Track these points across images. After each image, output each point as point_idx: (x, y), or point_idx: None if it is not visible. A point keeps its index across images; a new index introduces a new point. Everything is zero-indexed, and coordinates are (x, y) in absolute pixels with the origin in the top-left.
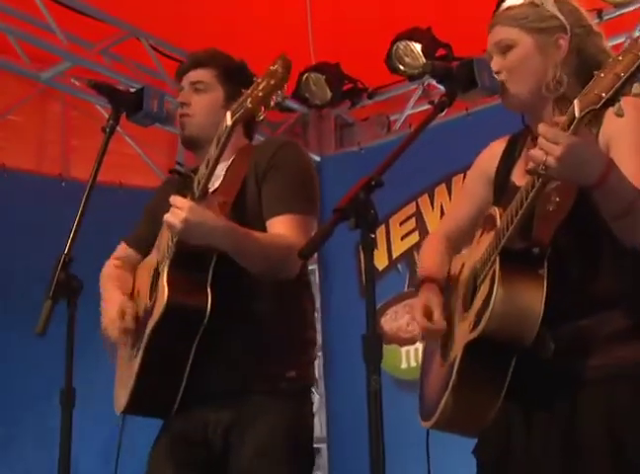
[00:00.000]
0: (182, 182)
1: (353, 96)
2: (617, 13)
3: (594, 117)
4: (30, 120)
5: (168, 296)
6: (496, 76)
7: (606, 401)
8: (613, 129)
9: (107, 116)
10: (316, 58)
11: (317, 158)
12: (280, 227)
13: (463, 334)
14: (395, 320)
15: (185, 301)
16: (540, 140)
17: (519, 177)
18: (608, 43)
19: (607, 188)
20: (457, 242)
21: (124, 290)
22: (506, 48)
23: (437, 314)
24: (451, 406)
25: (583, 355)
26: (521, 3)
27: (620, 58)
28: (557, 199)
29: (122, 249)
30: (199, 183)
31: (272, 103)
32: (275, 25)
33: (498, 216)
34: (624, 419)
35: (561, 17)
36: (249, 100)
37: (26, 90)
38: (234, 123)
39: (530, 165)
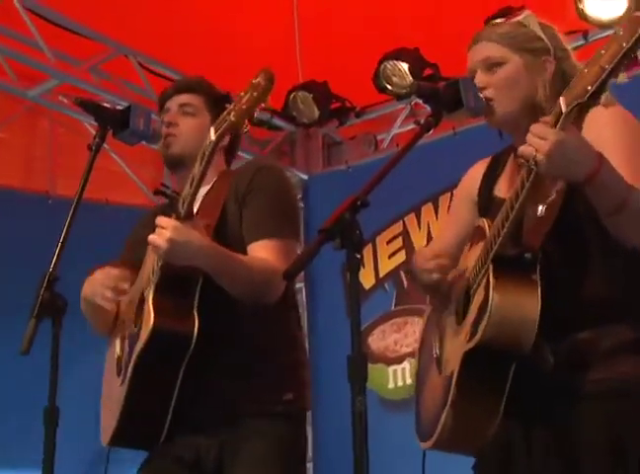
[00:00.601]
0: (167, 203)
1: (340, 115)
2: (603, 34)
3: (579, 111)
4: (17, 137)
5: (154, 320)
6: (480, 93)
7: (607, 414)
8: (593, 138)
9: (94, 133)
10: (304, 77)
11: (304, 177)
12: (262, 251)
13: (459, 346)
14: (382, 339)
15: (171, 326)
16: (529, 137)
17: (502, 191)
18: None
19: (599, 183)
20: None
21: (107, 319)
22: (494, 66)
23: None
24: (451, 421)
25: (583, 368)
26: (508, 22)
27: (603, 52)
28: (544, 206)
29: None
30: (183, 202)
31: (255, 115)
32: (263, 43)
33: (487, 227)
34: (625, 432)
35: (546, 39)
36: (232, 113)
37: (13, 107)
38: (218, 138)
39: (520, 161)
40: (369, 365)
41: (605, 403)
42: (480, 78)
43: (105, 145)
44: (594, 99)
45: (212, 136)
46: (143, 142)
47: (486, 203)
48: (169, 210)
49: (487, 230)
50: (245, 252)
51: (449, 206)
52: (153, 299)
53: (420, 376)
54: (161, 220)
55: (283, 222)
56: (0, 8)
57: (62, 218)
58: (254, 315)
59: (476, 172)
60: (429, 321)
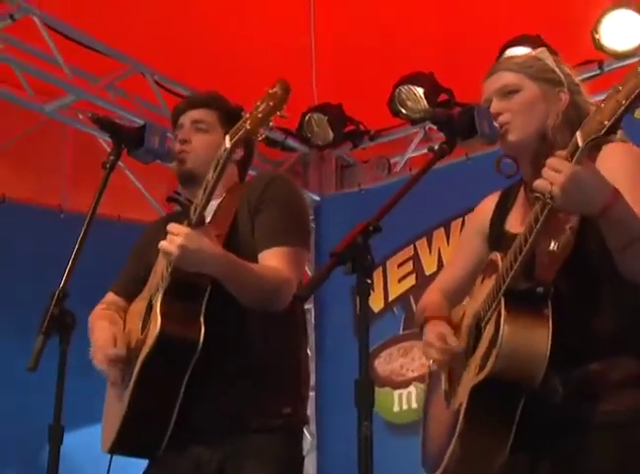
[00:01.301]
0: (174, 214)
1: (354, 137)
2: (618, 65)
3: (595, 146)
4: (31, 152)
5: (161, 326)
6: (496, 120)
7: (617, 445)
8: (604, 174)
9: (108, 149)
10: (319, 99)
11: (317, 198)
12: (273, 259)
13: (469, 379)
14: (389, 363)
15: (178, 331)
16: (545, 170)
17: (513, 225)
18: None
19: (612, 217)
20: (454, 297)
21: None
22: (510, 92)
23: (451, 338)
24: (459, 453)
25: (593, 399)
26: (524, 54)
27: (620, 88)
28: (558, 241)
29: (110, 297)
30: (195, 209)
31: (270, 124)
32: (278, 64)
33: (499, 260)
34: (635, 463)
35: (559, 73)
36: (248, 122)
37: (29, 121)
38: (233, 146)
39: (535, 195)
40: (376, 389)
41: (615, 434)
42: (496, 105)
43: (119, 163)
44: (610, 133)
45: (227, 144)
46: (157, 161)
47: (497, 237)
48: (179, 219)
49: (499, 264)
50: (256, 261)
51: (460, 235)
52: (161, 305)
53: (427, 411)
54: (172, 227)
55: (295, 231)
56: (19, 24)
57: (74, 233)
58: (261, 325)
59: (487, 205)
60: None
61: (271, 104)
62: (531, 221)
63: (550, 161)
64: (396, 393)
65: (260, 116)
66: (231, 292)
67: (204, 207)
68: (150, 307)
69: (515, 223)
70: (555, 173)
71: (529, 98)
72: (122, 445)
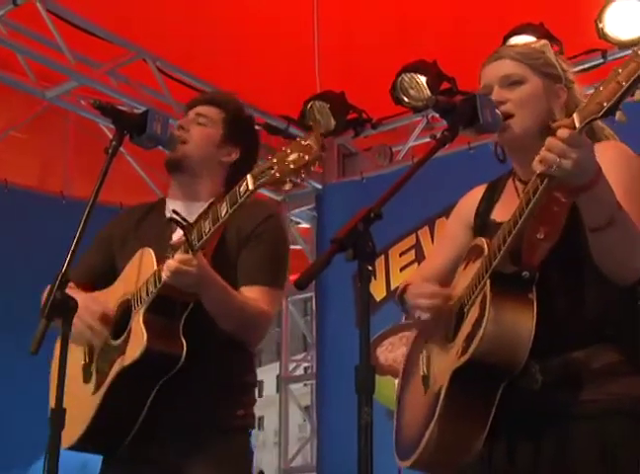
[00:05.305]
0: (149, 208)
1: (356, 125)
2: (622, 54)
3: (591, 128)
4: (33, 137)
5: (147, 341)
6: (498, 108)
7: (599, 437)
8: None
9: (111, 135)
10: (321, 87)
11: (319, 186)
12: (254, 295)
13: (450, 362)
14: (391, 351)
15: (162, 347)
16: (554, 143)
17: (499, 215)
18: None
19: (595, 192)
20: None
21: None
22: (514, 83)
23: (436, 286)
24: (437, 436)
25: (572, 388)
26: (528, 44)
27: (620, 70)
28: (546, 228)
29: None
30: (201, 236)
31: (303, 177)
32: (282, 52)
33: (485, 245)
34: (617, 454)
35: (559, 68)
36: (276, 168)
37: (31, 107)
38: (256, 189)
39: (540, 168)
40: (378, 377)
41: (597, 425)
42: (499, 93)
43: (121, 149)
44: (608, 115)
45: (250, 185)
46: (159, 147)
47: (482, 227)
48: (151, 216)
49: (485, 248)
50: (231, 282)
51: (445, 226)
52: (145, 319)
53: (401, 398)
54: (180, 257)
55: (280, 274)
56: (22, 9)
57: (76, 219)
58: (222, 337)
59: (473, 196)
60: (413, 345)
61: (306, 158)
62: (522, 203)
63: (564, 135)
64: (398, 382)
65: (292, 167)
66: (213, 315)
67: (210, 238)
68: (128, 313)
69: (501, 213)
70: (566, 146)
71: (533, 91)
72: (85, 444)
